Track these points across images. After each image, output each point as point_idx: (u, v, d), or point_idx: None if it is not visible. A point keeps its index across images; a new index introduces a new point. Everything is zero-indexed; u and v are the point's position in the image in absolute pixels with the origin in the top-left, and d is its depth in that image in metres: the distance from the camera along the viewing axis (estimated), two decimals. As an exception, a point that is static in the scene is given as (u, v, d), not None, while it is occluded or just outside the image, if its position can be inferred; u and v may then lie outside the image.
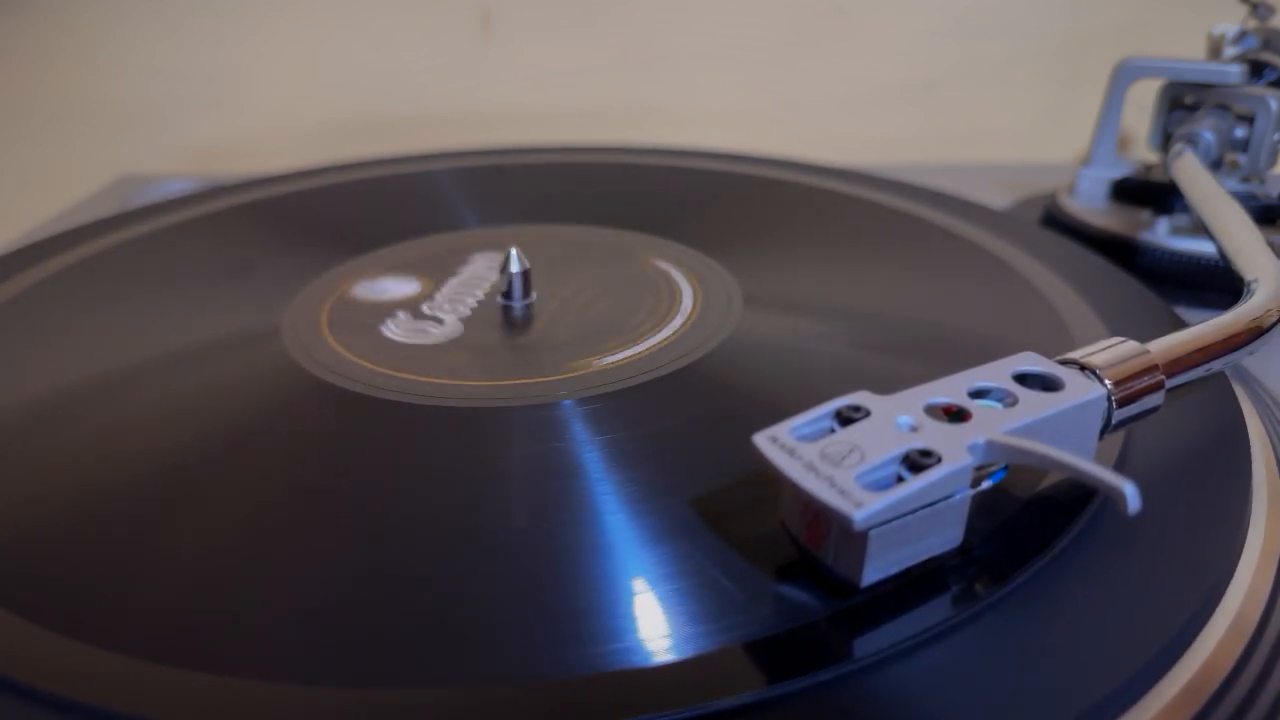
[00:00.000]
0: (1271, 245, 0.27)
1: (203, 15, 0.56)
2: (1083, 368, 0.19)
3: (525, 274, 0.30)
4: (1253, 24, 0.40)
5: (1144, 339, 0.21)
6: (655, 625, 0.17)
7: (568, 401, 0.24)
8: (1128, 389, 0.19)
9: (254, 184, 0.43)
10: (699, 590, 0.17)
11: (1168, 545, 0.19)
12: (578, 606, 0.17)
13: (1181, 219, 0.38)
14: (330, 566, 0.19)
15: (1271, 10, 0.40)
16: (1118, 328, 0.27)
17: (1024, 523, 0.19)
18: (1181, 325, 0.23)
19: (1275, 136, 0.36)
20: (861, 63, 0.61)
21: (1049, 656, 0.16)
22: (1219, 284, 0.35)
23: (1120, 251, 0.37)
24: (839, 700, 0.15)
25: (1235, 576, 0.19)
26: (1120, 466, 0.21)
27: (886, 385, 0.19)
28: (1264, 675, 0.17)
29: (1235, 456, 0.22)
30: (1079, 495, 0.20)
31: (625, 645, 0.16)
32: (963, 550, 0.18)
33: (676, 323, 0.29)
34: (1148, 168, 0.41)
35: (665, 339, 0.27)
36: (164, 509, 0.20)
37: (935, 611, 0.17)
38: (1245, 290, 0.24)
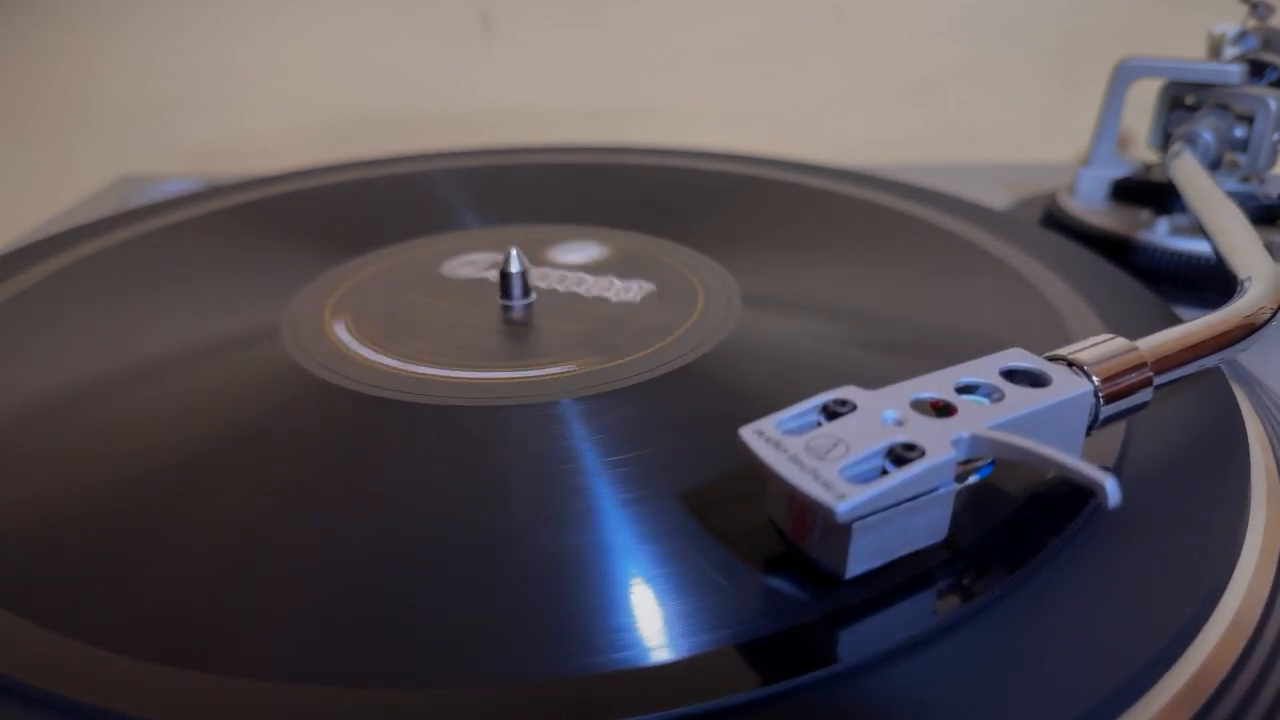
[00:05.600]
0: (1270, 245, 0.27)
1: (203, 15, 0.56)
2: (1070, 364, 0.20)
3: (524, 274, 0.30)
4: (1253, 24, 0.40)
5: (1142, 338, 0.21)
6: (654, 625, 0.17)
7: (567, 400, 0.24)
8: (1115, 385, 0.19)
9: (254, 184, 0.43)
10: (698, 590, 0.17)
11: (1167, 544, 0.19)
12: (576, 606, 0.17)
13: (1181, 219, 0.38)
14: (329, 566, 0.19)
15: (1271, 10, 0.40)
16: (1117, 327, 0.27)
17: (1023, 521, 0.19)
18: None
19: (1275, 136, 0.36)
20: (861, 63, 0.61)
21: (1048, 656, 0.16)
22: (1219, 283, 0.35)
23: (1120, 251, 0.37)
24: (838, 700, 0.15)
25: (1235, 576, 0.19)
26: (1119, 465, 0.21)
27: (884, 384, 0.19)
28: (1264, 675, 0.17)
29: (1235, 456, 0.22)
30: (1078, 494, 0.20)
31: (624, 645, 0.16)
32: (962, 549, 0.18)
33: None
34: (1148, 167, 0.41)
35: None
36: (164, 509, 0.20)
37: (935, 611, 0.17)
38: (1239, 288, 0.24)
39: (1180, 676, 0.17)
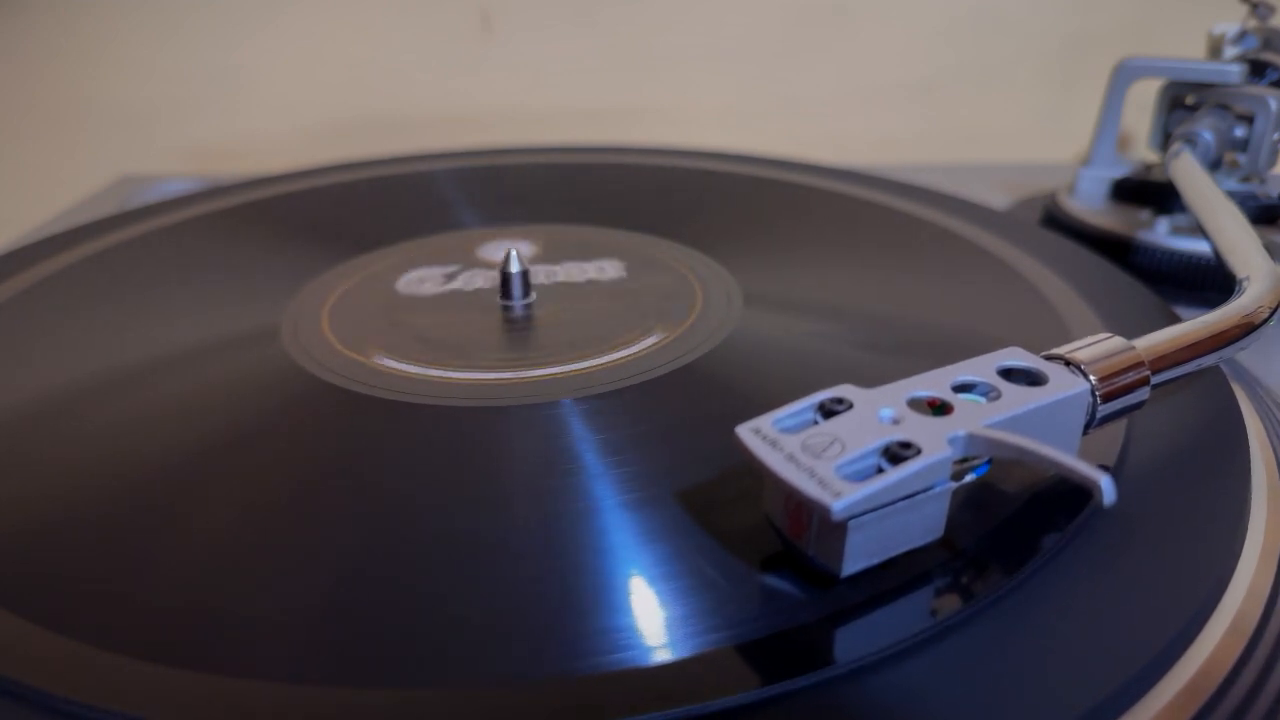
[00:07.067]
0: (1270, 245, 0.27)
1: (203, 15, 0.56)
2: (1068, 363, 0.20)
3: (524, 274, 0.30)
4: (1253, 24, 0.40)
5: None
6: (654, 625, 0.17)
7: (567, 400, 0.24)
8: (1112, 384, 0.19)
9: (254, 184, 0.43)
10: (698, 590, 0.17)
11: (1168, 544, 0.19)
12: (576, 606, 0.17)
13: (1181, 219, 0.38)
14: (329, 566, 0.19)
15: (1271, 10, 0.40)
16: (1116, 327, 0.27)
17: (1023, 521, 0.19)
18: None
19: (1275, 136, 0.36)
20: (862, 63, 0.61)
21: (1049, 656, 0.16)
22: (1218, 283, 0.35)
23: (1120, 251, 0.37)
24: (838, 701, 0.15)
25: (1235, 576, 0.19)
26: (1120, 465, 0.21)
27: (884, 383, 0.19)
28: (1264, 675, 0.17)
29: (1235, 456, 0.22)
30: (1078, 493, 0.20)
31: (623, 645, 0.16)
32: (960, 549, 0.18)
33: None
34: (1148, 167, 0.41)
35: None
36: (163, 509, 0.20)
37: (936, 611, 0.17)
38: (1237, 288, 0.24)
39: (1180, 677, 0.17)
